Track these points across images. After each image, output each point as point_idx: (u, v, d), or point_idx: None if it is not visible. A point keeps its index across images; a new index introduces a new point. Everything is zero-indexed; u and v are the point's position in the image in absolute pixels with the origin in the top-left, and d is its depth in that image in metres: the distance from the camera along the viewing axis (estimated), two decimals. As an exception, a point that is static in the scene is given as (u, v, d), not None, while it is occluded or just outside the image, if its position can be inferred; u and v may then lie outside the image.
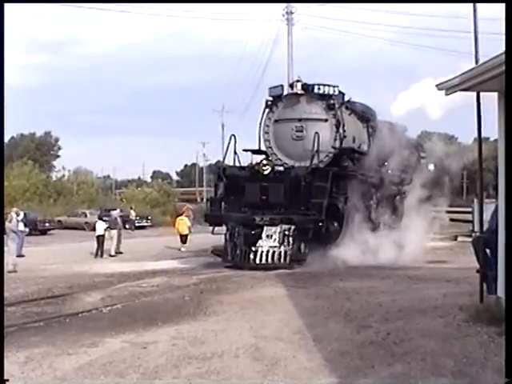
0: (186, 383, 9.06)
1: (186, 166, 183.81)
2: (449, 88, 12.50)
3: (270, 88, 28.09)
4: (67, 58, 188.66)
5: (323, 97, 27.04)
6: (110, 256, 31.25)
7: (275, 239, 24.45)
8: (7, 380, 7.48)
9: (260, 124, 28.25)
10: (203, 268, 25.84)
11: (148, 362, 10.25)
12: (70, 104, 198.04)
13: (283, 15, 51.62)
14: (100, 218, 34.41)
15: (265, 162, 26.79)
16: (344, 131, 27.02)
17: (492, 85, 11.72)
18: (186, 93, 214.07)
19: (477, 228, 31.13)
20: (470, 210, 39.54)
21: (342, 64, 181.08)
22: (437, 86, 12.81)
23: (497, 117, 12.75)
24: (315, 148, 25.76)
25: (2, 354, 7.64)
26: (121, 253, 32.07)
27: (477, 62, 12.91)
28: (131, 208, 61.12)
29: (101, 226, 32.18)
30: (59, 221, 57.86)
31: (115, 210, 37.51)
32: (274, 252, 24.30)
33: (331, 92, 27.12)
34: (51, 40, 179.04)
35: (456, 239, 35.00)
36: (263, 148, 28.82)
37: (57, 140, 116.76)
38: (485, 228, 14.24)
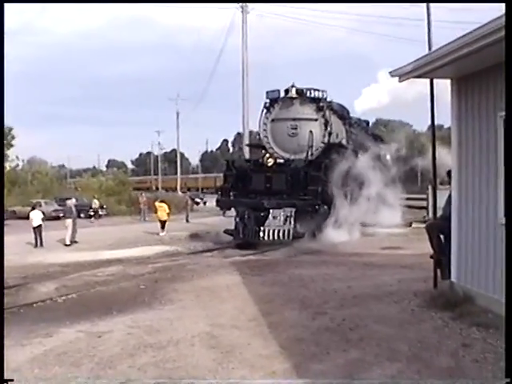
0: (142, 372, 8.99)
1: (141, 154, 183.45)
2: (402, 75, 12.55)
3: (268, 92, 32.48)
4: (22, 48, 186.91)
5: (314, 100, 31.67)
6: (65, 245, 30.91)
7: (280, 220, 28.52)
8: (11, 380, 7.36)
9: (259, 123, 33.03)
10: (158, 257, 25.79)
11: (103, 351, 10.18)
12: (23, 94, 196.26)
13: (238, 2, 50.98)
14: (33, 208, 33.75)
15: (268, 155, 31.22)
16: (331, 129, 31.71)
17: (445, 71, 11.82)
18: (140, 82, 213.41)
19: (431, 214, 32.20)
20: (424, 196, 40.02)
21: (299, 52, 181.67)
22: (390, 73, 12.86)
23: (449, 103, 12.89)
24: (309, 143, 30.59)
25: (2, 354, 7.51)
26: (76, 242, 31.75)
27: (430, 48, 13.00)
28: (94, 197, 60.63)
29: (36, 217, 31.82)
30: (13, 211, 56.99)
31: (70, 199, 37.05)
32: (279, 230, 28.29)
33: (320, 96, 31.88)
34: (5, 29, 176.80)
35: (410, 225, 35.25)
36: (257, 142, 34.87)
37: (10, 129, 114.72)
38: (439, 214, 14.40)
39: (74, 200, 36.88)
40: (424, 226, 24.68)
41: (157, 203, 40.12)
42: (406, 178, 40.59)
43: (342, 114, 34.63)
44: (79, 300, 15.63)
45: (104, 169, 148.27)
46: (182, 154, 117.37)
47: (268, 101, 32.45)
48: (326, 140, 31.45)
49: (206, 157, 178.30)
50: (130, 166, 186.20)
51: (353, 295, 14.30)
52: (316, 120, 31.50)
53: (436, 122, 14.29)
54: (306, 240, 28.31)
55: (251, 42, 50.33)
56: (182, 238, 34.51)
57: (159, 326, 11.94)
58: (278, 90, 32.10)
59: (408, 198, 42.38)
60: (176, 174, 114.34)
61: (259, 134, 33.76)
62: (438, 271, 13.75)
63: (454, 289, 12.59)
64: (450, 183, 13.82)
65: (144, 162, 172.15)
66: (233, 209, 31.35)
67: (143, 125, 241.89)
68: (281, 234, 28.33)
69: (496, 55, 10.11)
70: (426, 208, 37.76)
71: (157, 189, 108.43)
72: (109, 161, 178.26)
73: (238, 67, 48.75)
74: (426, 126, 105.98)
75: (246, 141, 42.75)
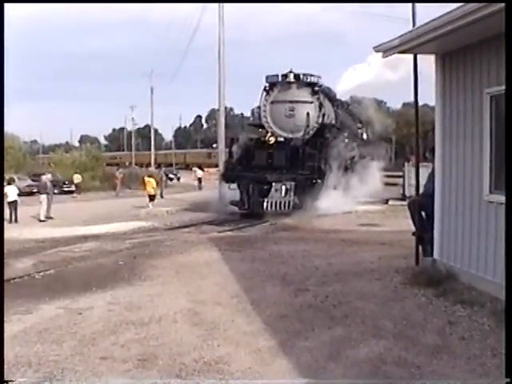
0: (125, 350, 8.85)
1: (114, 130, 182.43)
2: (386, 50, 12.43)
3: (267, 76, 35.15)
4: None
5: (309, 84, 34.59)
6: (40, 221, 30.70)
7: (281, 192, 31.24)
8: (12, 380, 7.23)
9: (259, 104, 35.64)
10: (135, 232, 25.74)
11: (84, 328, 10.02)
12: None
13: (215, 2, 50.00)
14: (9, 183, 33.41)
15: (270, 134, 34.25)
16: (324, 110, 34.66)
17: (430, 47, 11.71)
18: (114, 58, 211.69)
19: (407, 191, 32.93)
20: (399, 174, 40.40)
21: (274, 29, 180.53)
22: (375, 48, 12.72)
23: (434, 79, 12.79)
24: (306, 123, 33.47)
25: (2, 354, 7.38)
26: (51, 218, 31.51)
27: (414, 24, 12.87)
28: (76, 172, 60.36)
29: (12, 192, 31.49)
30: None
31: (45, 174, 36.67)
32: (280, 202, 31.11)
33: (315, 80, 34.80)
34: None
35: (387, 202, 35.45)
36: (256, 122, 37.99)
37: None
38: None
39: (49, 175, 36.54)
40: (400, 203, 24.80)
41: (146, 178, 41.21)
42: (381, 156, 41.62)
43: (331, 96, 37.65)
44: (57, 276, 15.38)
45: (77, 144, 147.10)
46: (155, 130, 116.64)
47: (267, 84, 35.07)
48: (320, 121, 34.28)
49: (179, 133, 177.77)
50: (103, 141, 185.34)
51: (334, 272, 14.20)
52: (311, 103, 34.27)
53: (411, 100, 14.22)
54: (283, 216, 29.85)
55: (226, 18, 49.50)
56: (157, 213, 34.45)
57: (140, 303, 11.77)
58: (277, 75, 34.88)
59: (384, 176, 42.94)
60: (149, 149, 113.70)
61: (259, 114, 36.08)
62: (420, 248, 13.70)
63: (437, 266, 12.54)
64: (430, 160, 13.76)
65: (117, 138, 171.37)
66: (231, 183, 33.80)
67: (116, 100, 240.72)
68: (282, 205, 31.04)
69: (482, 31, 10.06)
70: (402, 185, 38.06)
71: (130, 164, 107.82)
72: (81, 136, 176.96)
73: (212, 43, 47.97)
74: (399, 103, 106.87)
75: (222, 117, 42.68)
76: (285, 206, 31.02)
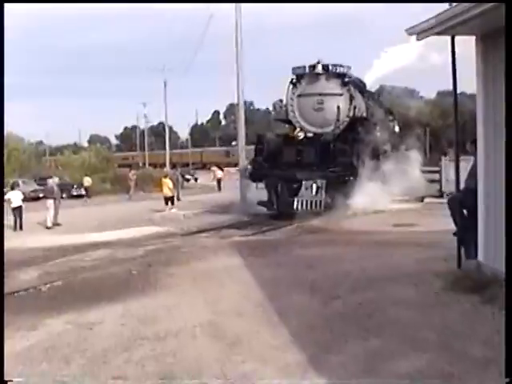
0: (139, 367, 8.69)
1: (125, 128, 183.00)
2: (421, 32, 12.15)
3: (294, 68, 35.25)
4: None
5: (339, 75, 34.66)
6: (47, 228, 30.72)
7: (312, 191, 31.51)
8: (10, 380, 7.14)
9: (286, 98, 36.15)
10: (149, 238, 25.59)
11: (95, 345, 9.89)
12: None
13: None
14: (12, 188, 33.46)
15: (298, 129, 34.81)
16: (355, 103, 34.85)
17: (469, 27, 11.41)
18: (123, 51, 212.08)
19: (445, 188, 32.57)
20: (436, 169, 40.06)
21: (291, 17, 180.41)
22: (407, 30, 12.45)
23: (474, 63, 12.52)
24: (336, 117, 33.79)
25: (2, 354, 7.30)
26: (58, 224, 31.49)
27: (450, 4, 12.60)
28: (87, 175, 60.65)
29: (16, 197, 31.49)
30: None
31: (51, 178, 36.74)
32: (311, 201, 31.49)
33: (345, 71, 34.88)
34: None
35: (422, 201, 35.14)
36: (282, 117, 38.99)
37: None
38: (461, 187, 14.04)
39: (56, 179, 36.62)
40: (438, 200, 24.48)
41: (163, 179, 41.27)
42: (415, 150, 41.22)
43: (361, 87, 37.79)
44: (65, 288, 15.27)
45: (86, 145, 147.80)
46: (170, 128, 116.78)
47: (294, 76, 35.24)
48: (350, 114, 34.44)
49: (195, 130, 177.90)
50: (114, 141, 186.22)
51: (367, 277, 13.94)
52: (341, 95, 34.46)
53: (446, 88, 13.92)
54: (311, 216, 30.01)
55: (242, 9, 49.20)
56: (173, 217, 34.43)
57: (155, 315, 11.65)
58: (304, 66, 34.87)
59: (419, 171, 42.70)
60: (163, 148, 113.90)
61: (286, 109, 36.41)
62: (462, 250, 13.44)
63: (482, 269, 12.25)
64: (471, 153, 13.51)
65: (129, 137, 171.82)
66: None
67: (127, 97, 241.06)
68: (313, 205, 31.44)
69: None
70: (439, 181, 37.83)
71: (144, 165, 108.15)
72: (91, 136, 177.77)
73: (228, 33, 47.72)
74: (434, 92, 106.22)
75: (241, 112, 42.46)
76: (316, 205, 31.36)
